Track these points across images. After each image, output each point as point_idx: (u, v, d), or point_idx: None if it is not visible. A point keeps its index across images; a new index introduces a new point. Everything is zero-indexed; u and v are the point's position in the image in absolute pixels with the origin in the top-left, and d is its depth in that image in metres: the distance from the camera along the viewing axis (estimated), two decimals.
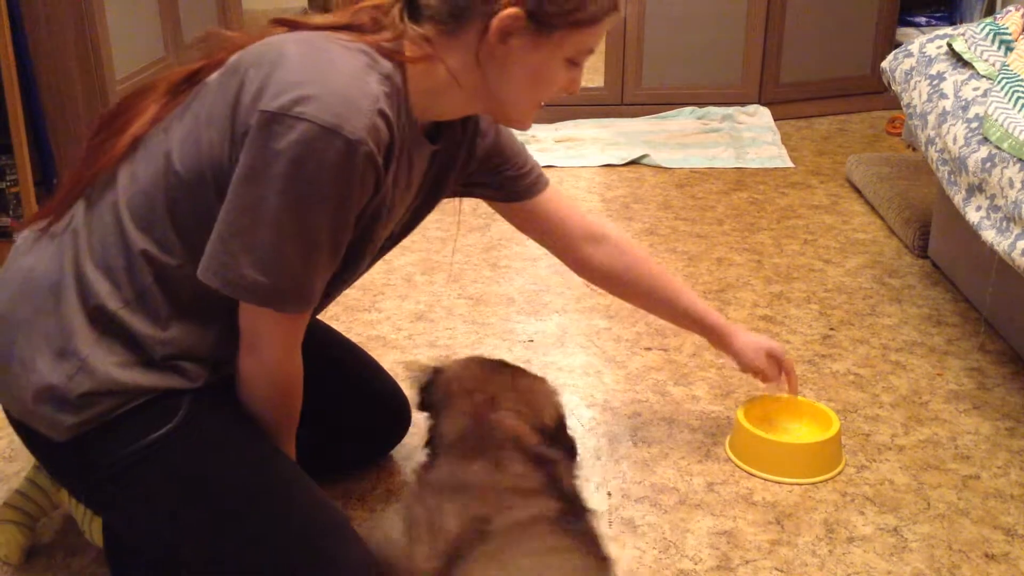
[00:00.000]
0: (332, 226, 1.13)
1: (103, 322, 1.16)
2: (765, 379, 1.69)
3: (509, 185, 1.49)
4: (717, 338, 1.68)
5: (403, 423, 1.64)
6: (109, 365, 1.15)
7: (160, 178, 1.16)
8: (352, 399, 1.57)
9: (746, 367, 1.68)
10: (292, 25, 1.20)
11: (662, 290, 1.64)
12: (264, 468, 1.24)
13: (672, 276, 1.69)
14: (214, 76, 1.18)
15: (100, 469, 1.18)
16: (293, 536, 1.21)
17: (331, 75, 1.09)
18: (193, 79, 1.21)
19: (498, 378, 1.30)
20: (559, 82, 1.23)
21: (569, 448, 1.31)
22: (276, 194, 1.08)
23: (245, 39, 1.19)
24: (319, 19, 1.21)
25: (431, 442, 1.27)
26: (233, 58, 1.17)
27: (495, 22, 1.14)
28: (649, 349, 2.04)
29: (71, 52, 2.58)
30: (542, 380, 1.34)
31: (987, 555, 1.43)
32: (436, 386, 1.31)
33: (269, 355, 1.19)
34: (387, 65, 1.15)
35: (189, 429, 1.19)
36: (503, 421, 1.23)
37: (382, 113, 1.11)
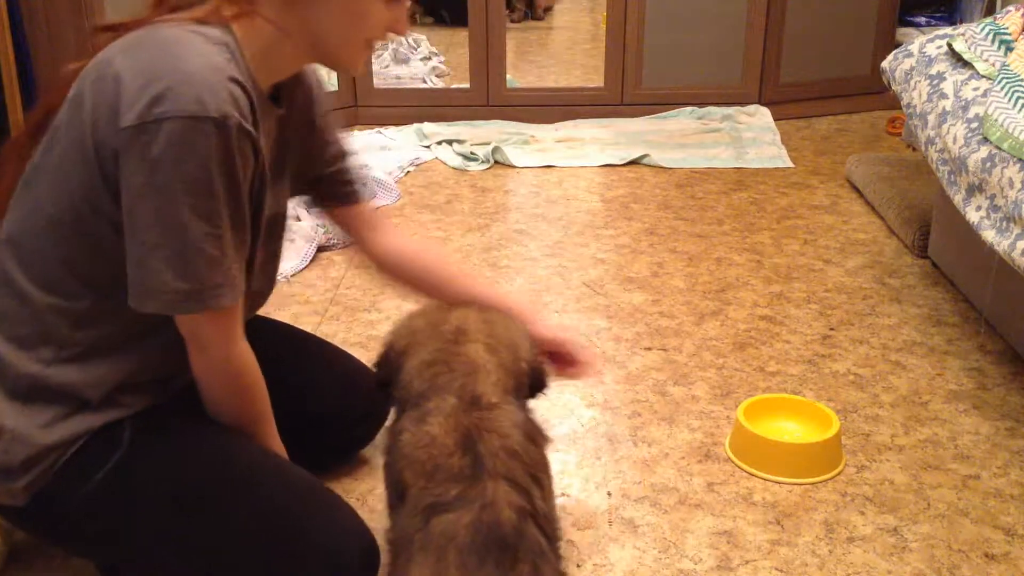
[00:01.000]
0: (232, 207, 1.13)
1: (24, 391, 1.16)
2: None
3: (331, 183, 1.46)
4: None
5: (379, 404, 1.63)
6: (36, 430, 1.16)
7: (41, 231, 1.16)
8: (321, 386, 1.56)
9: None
10: (117, 28, 1.18)
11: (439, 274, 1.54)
12: (226, 459, 1.24)
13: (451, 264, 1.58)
14: (62, 114, 1.16)
15: (68, 516, 1.19)
16: (273, 515, 1.21)
17: (170, 64, 1.08)
18: (42, 129, 1.19)
19: (466, 310, 1.23)
20: (379, 18, 1.20)
21: (541, 382, 1.24)
22: (171, 200, 1.08)
23: (81, 64, 1.17)
24: (142, 14, 1.19)
25: (398, 388, 1.18)
26: (73, 89, 1.15)
27: None
28: (649, 349, 2.04)
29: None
30: (509, 314, 1.26)
31: (987, 555, 1.43)
32: (399, 333, 1.23)
33: (217, 352, 1.19)
34: (215, 32, 1.14)
35: (139, 449, 1.20)
36: (475, 355, 1.14)
37: (233, 80, 1.10)
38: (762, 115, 3.69)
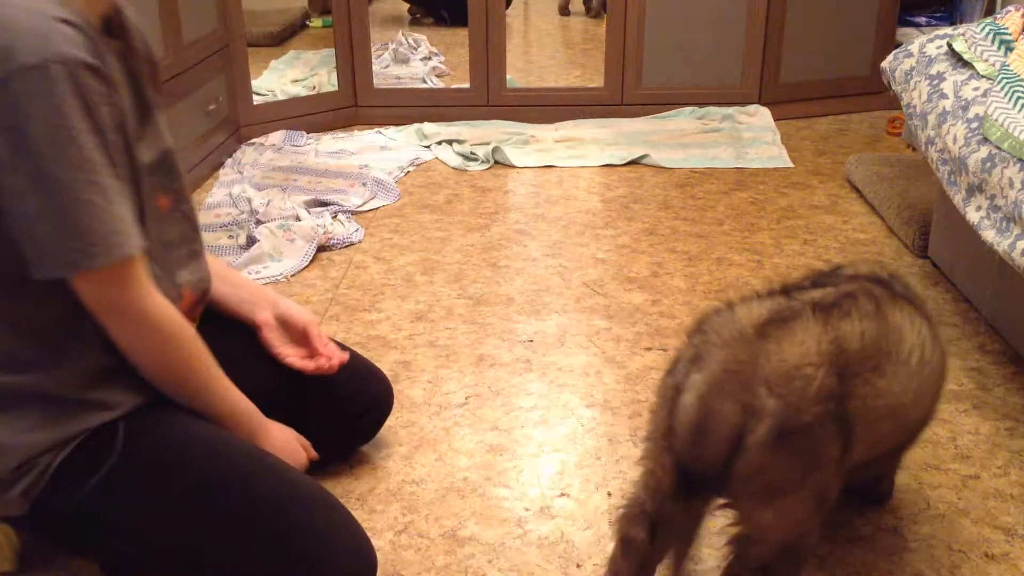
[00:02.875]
0: (102, 149, 1.09)
1: None
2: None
3: None
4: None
5: (385, 395, 1.63)
6: (21, 434, 1.15)
7: None
8: (329, 378, 1.55)
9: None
10: None
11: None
12: (219, 461, 1.23)
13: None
14: None
15: (68, 519, 1.18)
16: (273, 514, 1.21)
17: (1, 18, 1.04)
18: None
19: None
20: None
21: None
22: (40, 159, 1.04)
23: None
24: None
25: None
26: None
27: None
28: (649, 349, 2.04)
29: None
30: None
31: (987, 555, 1.43)
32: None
33: (129, 310, 1.15)
34: None
35: (135, 451, 1.19)
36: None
37: (60, 19, 1.06)
38: (762, 115, 3.69)
